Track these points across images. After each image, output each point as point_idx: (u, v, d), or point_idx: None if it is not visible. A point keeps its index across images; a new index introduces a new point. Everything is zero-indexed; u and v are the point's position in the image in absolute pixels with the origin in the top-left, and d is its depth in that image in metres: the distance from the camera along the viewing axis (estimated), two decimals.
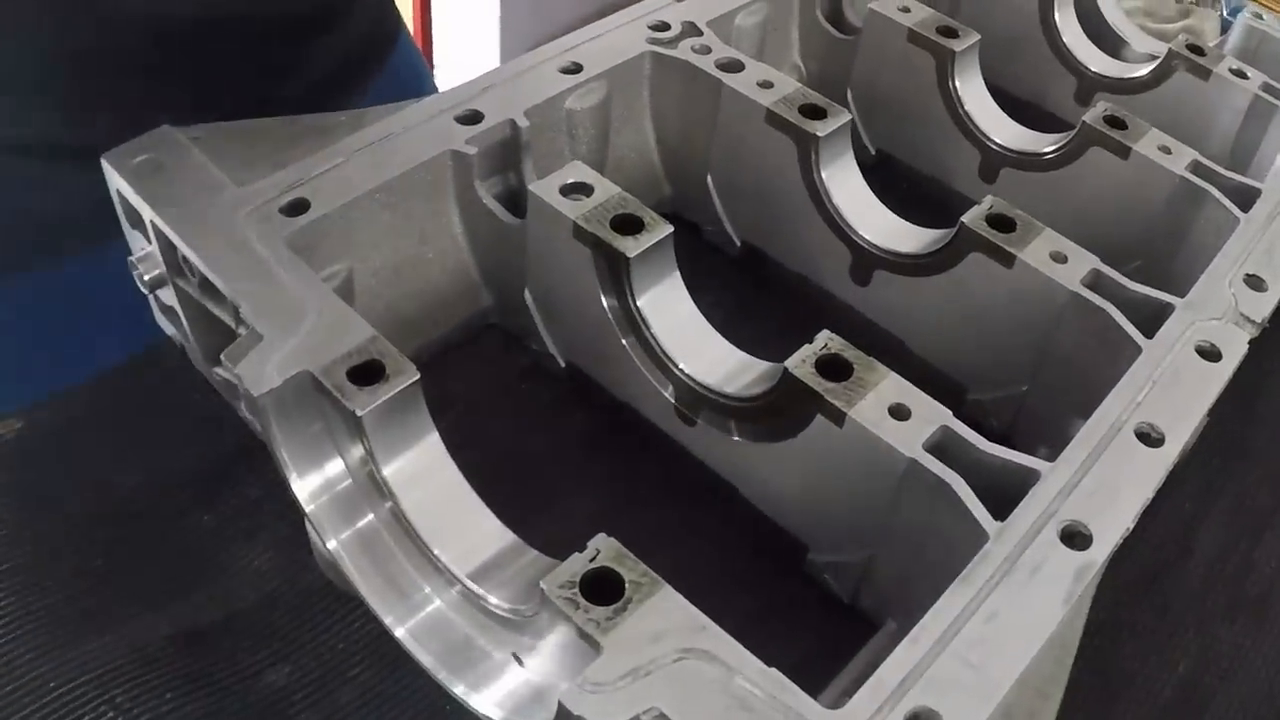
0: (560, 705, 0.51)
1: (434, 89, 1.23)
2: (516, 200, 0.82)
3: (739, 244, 0.96)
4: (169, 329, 0.83)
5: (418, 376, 0.63)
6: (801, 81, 1.04)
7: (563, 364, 0.84)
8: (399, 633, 0.64)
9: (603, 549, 0.57)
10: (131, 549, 0.74)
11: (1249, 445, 0.95)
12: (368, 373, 0.63)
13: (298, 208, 0.72)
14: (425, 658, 0.63)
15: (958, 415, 0.68)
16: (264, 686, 0.69)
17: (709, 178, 0.94)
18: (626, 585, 0.56)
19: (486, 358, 0.86)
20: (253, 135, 0.78)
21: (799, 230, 0.90)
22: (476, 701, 0.61)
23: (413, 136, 0.78)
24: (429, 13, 2.94)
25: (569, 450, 0.83)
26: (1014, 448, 0.81)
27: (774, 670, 0.54)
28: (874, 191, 0.90)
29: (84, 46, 0.87)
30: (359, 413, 0.61)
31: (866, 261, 0.87)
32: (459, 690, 0.62)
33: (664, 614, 0.55)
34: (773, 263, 0.95)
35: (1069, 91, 1.12)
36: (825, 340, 0.70)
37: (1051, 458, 0.79)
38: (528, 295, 0.82)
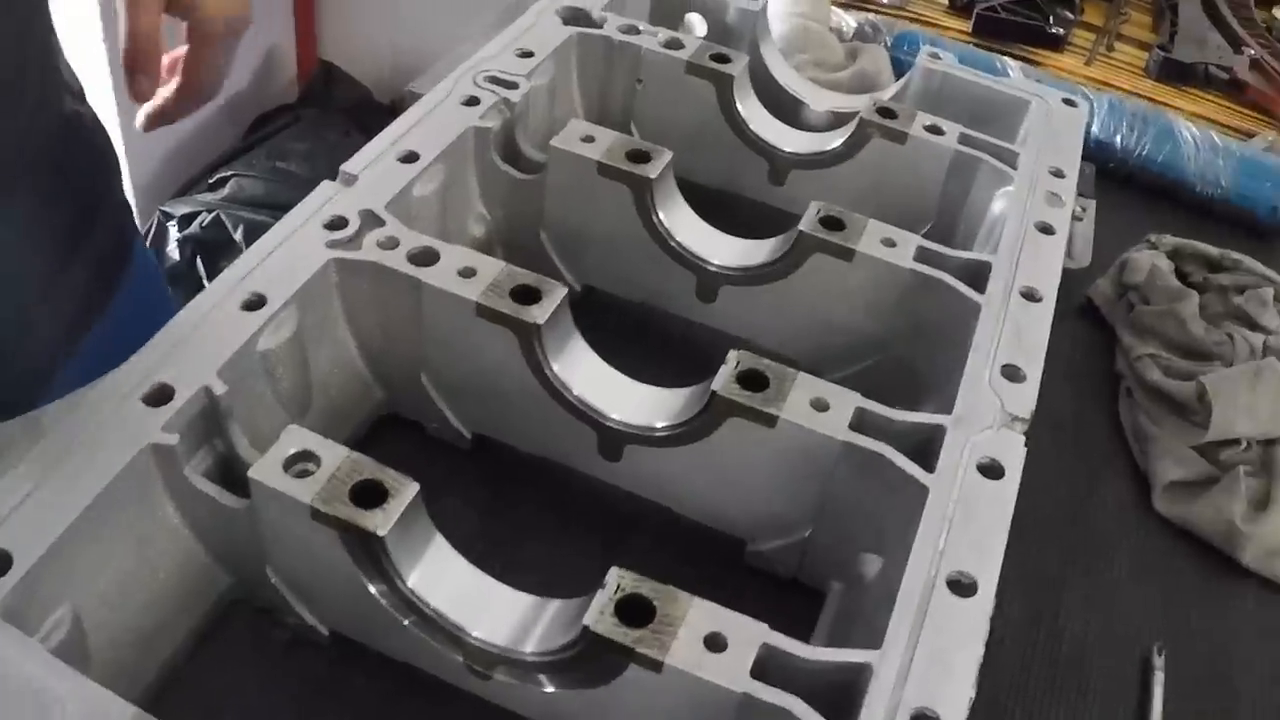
0: None
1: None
2: (231, 468, 0.78)
3: (469, 436, 0.95)
4: None
5: None
6: (488, 229, 1.04)
7: (326, 633, 0.82)
8: None
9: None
10: None
11: (1024, 517, 1.01)
12: None
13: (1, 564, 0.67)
14: None
15: (740, 569, 0.70)
16: None
17: (423, 376, 0.92)
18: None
19: (241, 643, 0.82)
20: None
21: (533, 418, 0.90)
22: None
23: (103, 438, 0.73)
24: None
25: None
26: (803, 588, 0.85)
27: None
28: (583, 329, 0.90)
29: None
30: None
31: (615, 439, 0.88)
32: None
33: None
34: (510, 450, 0.95)
35: (763, 175, 1.16)
36: (617, 581, 0.69)
37: (844, 591, 0.83)
38: (272, 574, 0.79)
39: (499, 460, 0.96)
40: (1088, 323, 1.27)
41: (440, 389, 0.93)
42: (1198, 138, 1.47)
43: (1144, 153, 1.47)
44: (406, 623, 0.75)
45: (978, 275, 0.94)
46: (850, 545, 0.84)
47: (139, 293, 1.13)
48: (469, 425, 0.95)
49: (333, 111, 3.19)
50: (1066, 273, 1.14)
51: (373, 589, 0.73)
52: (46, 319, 1.03)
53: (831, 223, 0.95)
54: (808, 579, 0.89)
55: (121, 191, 1.17)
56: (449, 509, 0.80)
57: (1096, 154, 1.46)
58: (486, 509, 0.92)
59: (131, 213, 1.21)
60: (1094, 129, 1.48)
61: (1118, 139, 1.48)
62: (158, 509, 0.76)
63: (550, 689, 0.74)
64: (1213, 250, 1.28)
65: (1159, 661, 0.95)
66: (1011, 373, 0.86)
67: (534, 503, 0.93)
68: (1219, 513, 1.05)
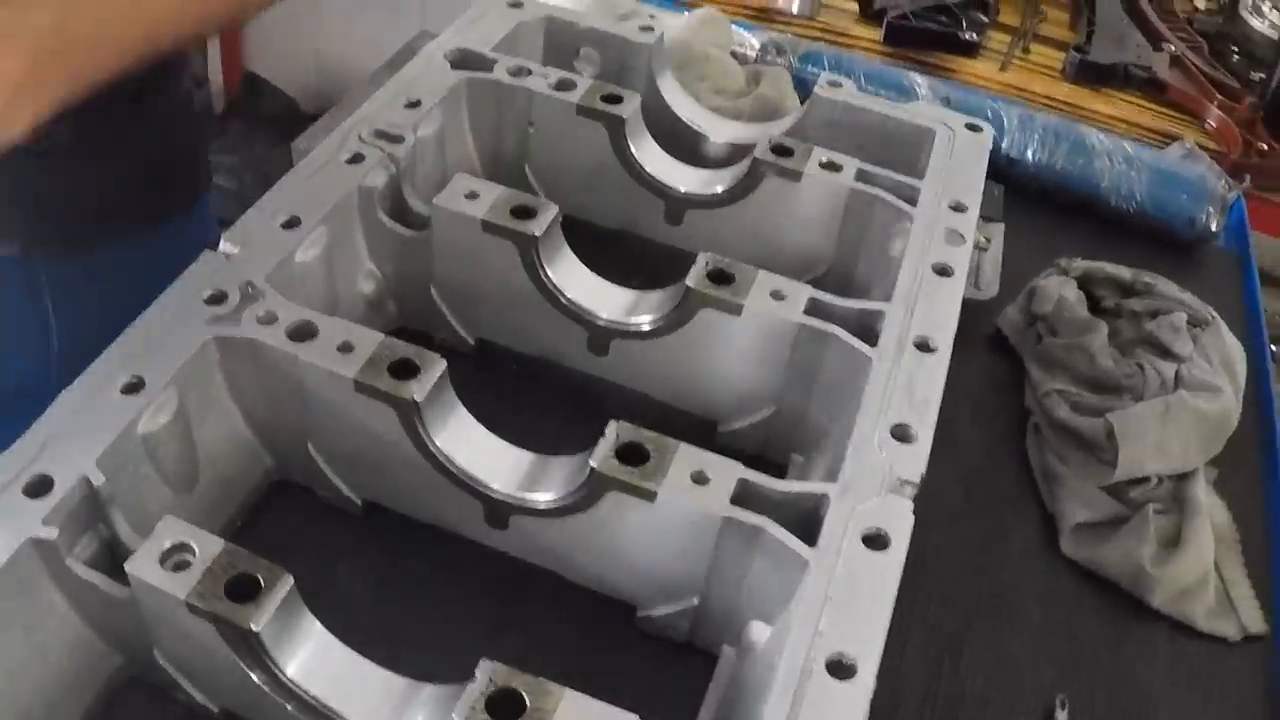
0: None
1: None
2: (115, 552, 0.82)
3: (359, 503, 0.99)
4: None
5: None
6: (379, 287, 1.07)
7: (217, 710, 0.86)
8: None
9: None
10: None
11: (927, 568, 1.05)
12: None
13: None
14: None
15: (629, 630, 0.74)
16: None
17: (310, 446, 0.96)
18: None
19: (137, 717, 0.86)
20: None
21: (419, 488, 0.94)
22: None
23: None
24: None
25: None
26: (697, 651, 0.89)
27: None
28: (477, 383, 0.94)
29: None
30: None
31: (500, 510, 0.92)
32: None
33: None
34: (399, 517, 0.99)
35: (659, 214, 1.20)
36: (489, 675, 0.73)
37: (736, 656, 0.87)
38: (160, 657, 0.83)
39: (391, 525, 1.00)
40: (997, 354, 1.31)
41: (328, 459, 0.97)
42: (1111, 151, 1.51)
43: (1057, 168, 1.51)
44: (290, 707, 0.78)
45: (870, 325, 0.98)
46: (739, 614, 0.88)
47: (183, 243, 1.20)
48: (359, 493, 0.99)
49: (259, 123, 3.21)
50: (975, 303, 1.19)
51: (254, 678, 0.77)
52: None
53: (720, 276, 0.99)
54: (700, 643, 0.93)
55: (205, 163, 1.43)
56: (341, 574, 0.84)
57: (1008, 171, 1.51)
58: (378, 574, 0.96)
59: (206, 182, 1.43)
60: (1004, 145, 1.52)
61: (1029, 154, 1.52)
62: (43, 597, 0.80)
63: None
64: (1125, 273, 1.32)
65: (1062, 716, 0.99)
66: (902, 433, 0.90)
67: (426, 570, 0.97)
68: (1128, 555, 1.09)
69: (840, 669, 0.75)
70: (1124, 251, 1.40)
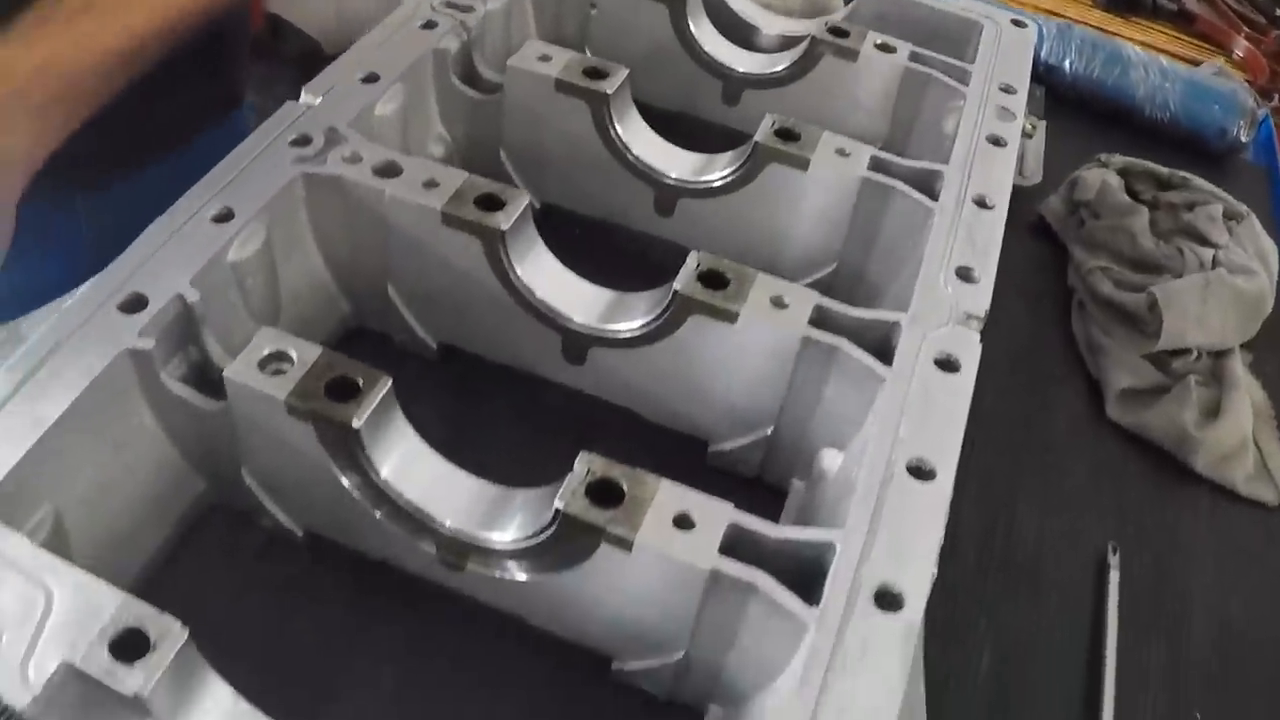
0: None
1: None
2: (205, 373, 0.81)
3: (435, 346, 0.99)
4: None
5: (186, 633, 0.63)
6: (449, 150, 1.07)
7: (300, 533, 0.85)
8: None
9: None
10: None
11: (980, 427, 1.05)
12: (133, 644, 0.62)
13: None
14: None
15: (704, 470, 0.73)
16: None
17: (390, 287, 0.96)
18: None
19: (217, 546, 0.85)
20: None
21: (498, 324, 0.94)
22: None
23: (81, 344, 0.76)
24: None
25: (332, 623, 0.83)
26: (766, 488, 0.89)
27: None
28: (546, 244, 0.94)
29: None
30: (139, 694, 0.61)
31: (579, 342, 0.92)
32: None
33: None
34: (474, 358, 0.99)
35: (716, 95, 1.20)
36: (587, 465, 0.73)
37: (806, 487, 0.86)
38: (247, 475, 0.83)
39: (466, 369, 0.99)
40: (1040, 240, 1.32)
41: (406, 299, 0.97)
42: (1147, 63, 1.52)
43: (1094, 77, 1.52)
44: (379, 514, 0.78)
45: (930, 183, 0.98)
46: (811, 440, 0.87)
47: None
48: (435, 335, 0.99)
49: (281, 65, 3.20)
50: (1018, 189, 1.19)
51: (346, 481, 0.77)
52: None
53: (786, 134, 0.99)
54: (770, 477, 0.93)
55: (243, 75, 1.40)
56: (416, 418, 0.84)
57: (1046, 78, 1.52)
58: (454, 418, 0.95)
59: (241, 96, 1.40)
60: (1043, 53, 1.53)
61: (1067, 64, 1.53)
62: (134, 414, 0.80)
63: (522, 576, 0.78)
64: (1162, 169, 1.33)
65: (1114, 560, 0.99)
66: (965, 273, 0.90)
67: (501, 410, 0.97)
68: (1171, 420, 1.10)
69: (921, 473, 0.75)
70: (1157, 158, 1.40)
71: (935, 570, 0.71)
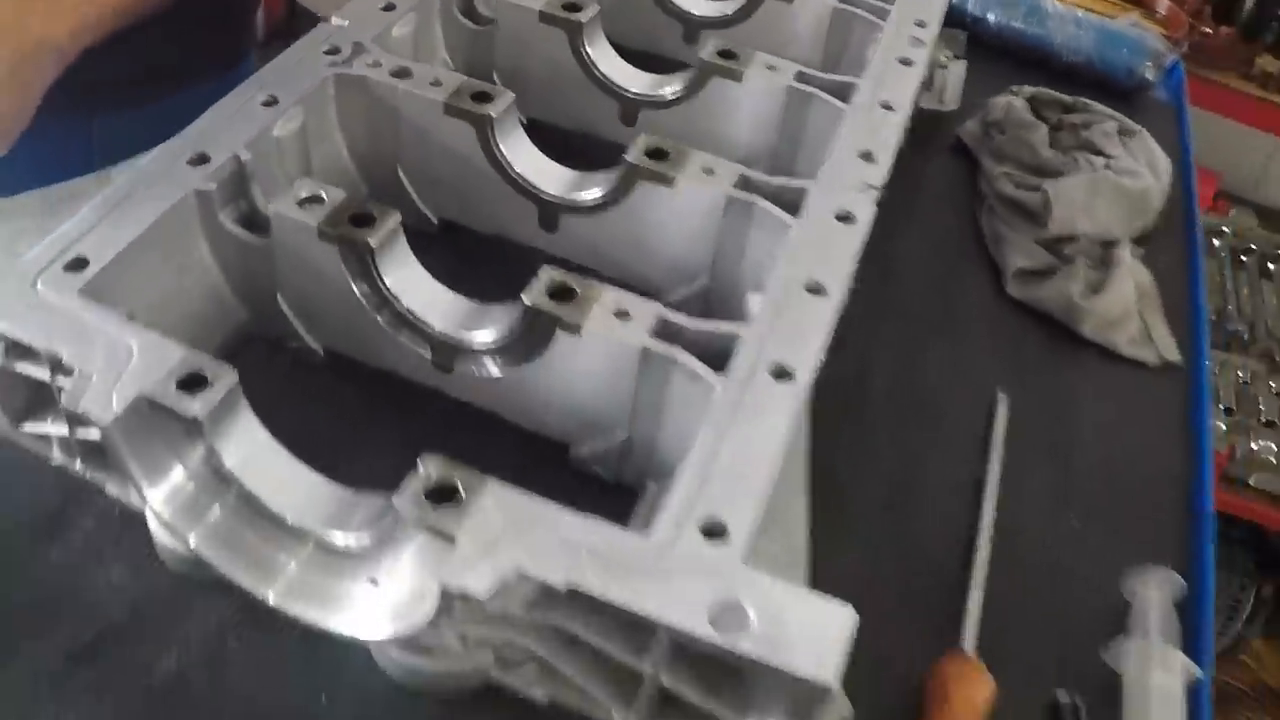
0: (443, 590, 0.73)
1: None
2: (251, 223, 1.00)
3: (436, 221, 1.19)
4: None
5: (237, 376, 0.83)
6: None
7: (321, 353, 1.05)
8: (271, 599, 0.82)
9: (432, 465, 0.77)
10: None
11: (894, 299, 1.24)
12: (194, 383, 0.82)
13: (79, 264, 0.88)
14: (300, 611, 0.81)
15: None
16: (161, 675, 0.85)
17: (400, 171, 1.16)
18: (461, 487, 0.76)
19: (252, 365, 0.98)
20: (8, 213, 0.95)
21: (488, 198, 1.13)
22: (358, 630, 0.80)
23: (156, 185, 0.95)
24: None
25: (345, 425, 1.02)
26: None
27: (592, 516, 0.76)
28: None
29: None
30: (198, 417, 0.80)
31: (551, 211, 1.11)
32: (340, 627, 0.80)
33: (498, 499, 0.76)
34: (469, 231, 1.18)
35: (678, 36, 1.39)
36: (549, 275, 0.93)
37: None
38: (281, 300, 1.02)
39: (461, 244, 1.18)
40: (958, 157, 1.50)
41: (413, 180, 1.17)
42: (1064, 14, 1.70)
43: (1015, 27, 1.70)
44: (383, 320, 0.98)
45: (844, 92, 1.17)
46: (739, 286, 1.05)
47: None
48: (436, 210, 1.19)
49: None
50: (940, 115, 1.38)
51: (358, 290, 0.97)
52: None
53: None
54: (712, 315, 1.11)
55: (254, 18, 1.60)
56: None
57: (972, 28, 1.68)
58: (456, 274, 1.13)
59: (253, 38, 1.59)
60: (969, 6, 1.71)
61: (991, 16, 1.71)
62: (195, 247, 0.99)
63: (498, 372, 0.97)
64: (1066, 97, 1.51)
65: (1002, 398, 1.17)
66: (867, 155, 1.08)
67: (492, 278, 1.13)
68: (1061, 293, 1.28)
69: (816, 290, 0.94)
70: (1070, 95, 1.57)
71: (823, 357, 0.89)
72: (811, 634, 0.71)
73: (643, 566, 0.74)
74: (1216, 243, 2.81)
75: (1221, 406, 2.46)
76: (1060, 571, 1.06)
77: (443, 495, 0.76)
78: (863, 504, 1.07)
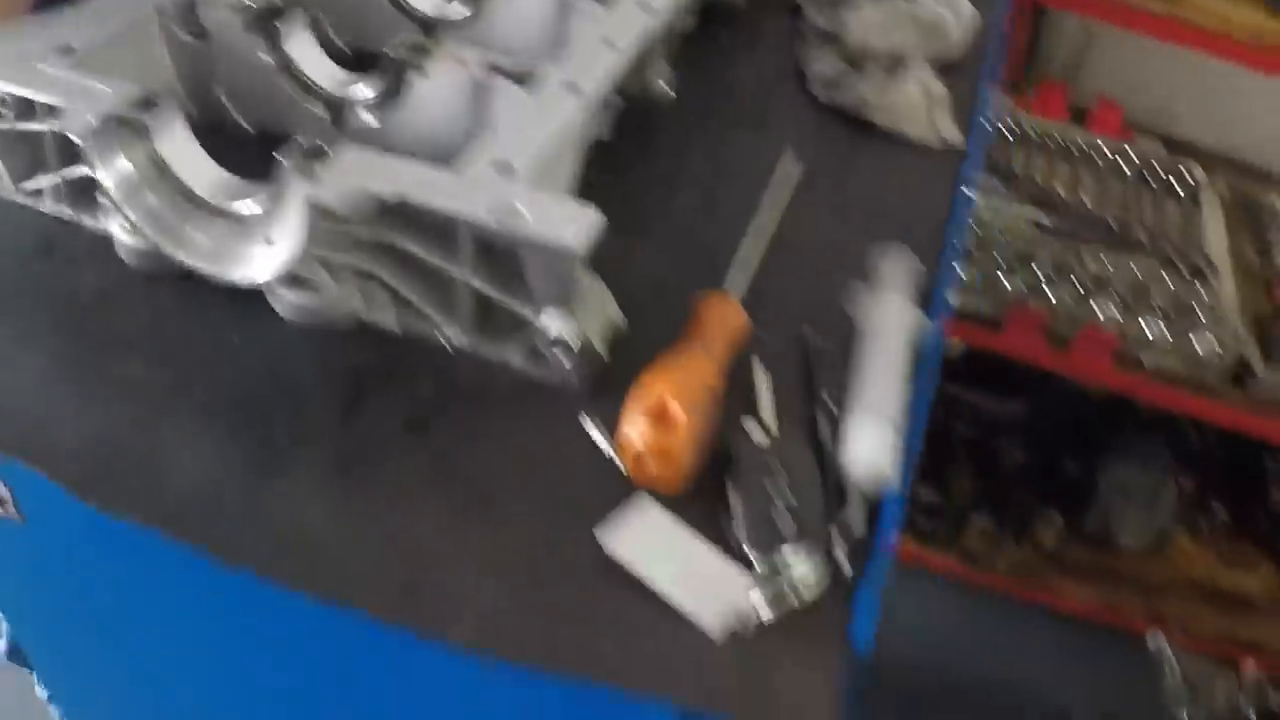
0: (309, 205, 1.03)
1: None
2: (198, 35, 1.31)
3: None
4: None
5: (176, 102, 1.15)
6: None
7: (253, 132, 1.35)
8: (188, 260, 1.13)
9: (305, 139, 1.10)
10: None
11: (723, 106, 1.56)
12: (147, 104, 1.13)
13: (68, 50, 1.18)
14: (212, 269, 1.12)
15: None
16: (117, 330, 1.16)
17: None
18: (329, 150, 1.08)
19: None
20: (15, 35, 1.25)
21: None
22: (256, 276, 1.11)
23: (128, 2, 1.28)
24: None
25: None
26: None
27: (418, 160, 1.09)
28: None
29: None
30: (147, 123, 1.12)
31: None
32: (242, 278, 1.12)
33: (355, 156, 1.09)
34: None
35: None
36: (407, 36, 1.24)
37: None
38: (217, 88, 1.34)
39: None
40: (796, 17, 1.74)
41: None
42: None
43: None
44: (290, 88, 1.30)
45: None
46: None
47: None
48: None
49: None
50: None
51: (273, 60, 1.29)
52: None
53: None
54: None
55: None
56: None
57: None
58: None
59: None
60: None
61: None
62: (155, 48, 1.32)
63: (376, 123, 1.28)
64: None
65: (790, 158, 1.43)
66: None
67: None
68: (854, 91, 1.54)
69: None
70: None
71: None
72: (567, 224, 1.03)
73: (451, 189, 1.06)
74: (1120, 162, 3.07)
75: (1118, 296, 2.71)
76: (828, 252, 1.32)
77: (315, 153, 1.08)
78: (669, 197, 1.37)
